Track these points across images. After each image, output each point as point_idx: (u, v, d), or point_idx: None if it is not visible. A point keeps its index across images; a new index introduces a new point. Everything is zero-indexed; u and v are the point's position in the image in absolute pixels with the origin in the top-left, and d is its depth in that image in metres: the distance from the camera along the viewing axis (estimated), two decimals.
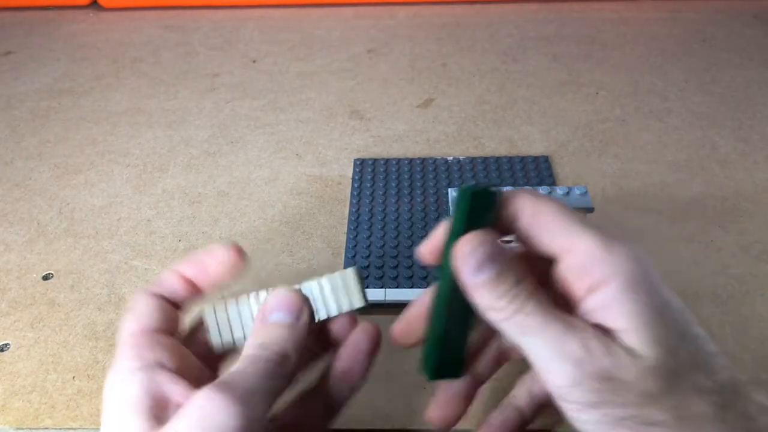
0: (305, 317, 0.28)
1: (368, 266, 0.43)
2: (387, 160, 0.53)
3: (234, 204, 0.51)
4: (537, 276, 0.26)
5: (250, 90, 0.67)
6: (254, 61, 0.73)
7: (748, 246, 0.44)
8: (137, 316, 0.29)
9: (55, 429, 0.35)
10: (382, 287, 0.42)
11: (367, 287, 0.41)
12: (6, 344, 0.40)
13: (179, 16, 0.85)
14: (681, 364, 0.23)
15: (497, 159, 0.53)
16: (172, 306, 0.30)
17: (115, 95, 0.67)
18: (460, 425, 0.30)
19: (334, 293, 0.29)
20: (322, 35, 0.78)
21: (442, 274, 0.26)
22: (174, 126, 0.61)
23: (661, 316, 0.24)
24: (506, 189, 0.28)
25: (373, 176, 0.52)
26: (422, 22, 0.81)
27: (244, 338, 0.29)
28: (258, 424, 0.24)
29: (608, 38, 0.74)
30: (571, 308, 0.25)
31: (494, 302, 0.25)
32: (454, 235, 0.25)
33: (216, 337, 0.29)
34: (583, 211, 0.36)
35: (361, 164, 0.53)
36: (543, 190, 0.36)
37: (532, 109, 0.61)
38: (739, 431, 0.22)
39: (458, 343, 0.27)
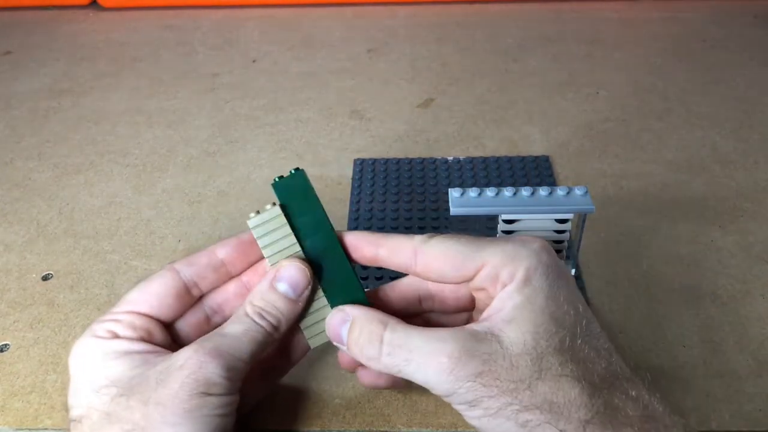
0: (305, 296, 0.30)
1: (367, 267, 0.43)
2: (387, 160, 0.53)
3: (234, 204, 0.50)
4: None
5: (250, 90, 0.67)
6: (254, 61, 0.73)
7: (748, 246, 0.44)
8: (149, 295, 0.31)
9: (55, 429, 0.35)
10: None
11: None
12: (5, 344, 0.40)
13: (179, 16, 0.85)
14: (555, 352, 0.25)
15: (497, 159, 0.53)
16: (184, 295, 0.31)
17: (114, 95, 0.67)
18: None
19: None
20: (322, 35, 0.78)
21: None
22: (174, 126, 0.61)
23: (544, 308, 0.26)
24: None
25: (373, 176, 0.52)
26: (422, 22, 0.81)
27: (263, 250, 0.31)
28: (239, 377, 0.28)
29: (608, 38, 0.74)
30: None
31: (363, 353, 0.28)
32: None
33: (257, 223, 0.30)
34: (583, 213, 0.36)
35: (361, 164, 0.53)
36: (543, 191, 0.36)
37: (532, 109, 0.61)
38: (603, 417, 0.24)
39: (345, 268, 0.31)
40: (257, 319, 0.29)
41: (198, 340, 0.28)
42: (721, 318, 0.39)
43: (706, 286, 0.41)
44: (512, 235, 0.36)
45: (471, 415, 0.25)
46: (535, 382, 0.24)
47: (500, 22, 0.79)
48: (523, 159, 0.53)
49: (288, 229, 0.30)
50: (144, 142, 0.59)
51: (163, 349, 0.29)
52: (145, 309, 0.30)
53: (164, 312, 0.31)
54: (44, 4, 0.89)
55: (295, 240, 0.30)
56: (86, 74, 0.72)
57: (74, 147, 0.59)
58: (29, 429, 0.35)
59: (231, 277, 0.32)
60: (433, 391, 0.26)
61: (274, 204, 0.30)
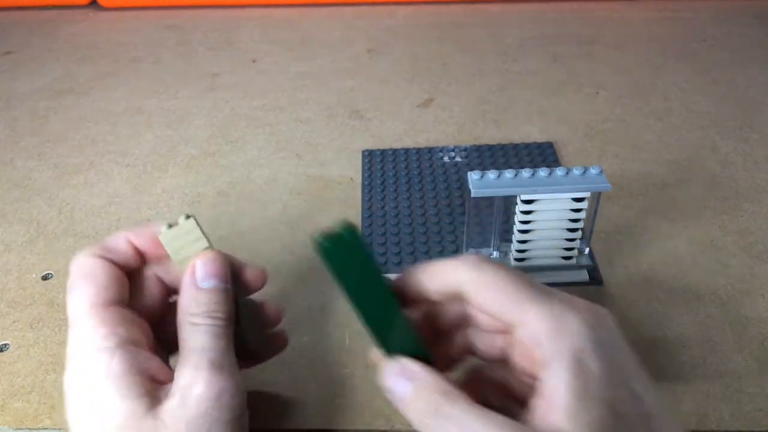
0: (230, 278, 0.30)
1: (385, 253, 0.44)
2: (395, 151, 0.54)
3: (234, 204, 0.50)
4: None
5: (250, 90, 0.67)
6: (254, 61, 0.73)
7: (748, 246, 0.44)
8: (97, 286, 0.29)
9: (55, 429, 0.35)
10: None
11: (387, 273, 0.43)
12: (5, 344, 0.40)
13: (179, 15, 0.85)
14: None
15: (503, 146, 0.54)
16: (123, 273, 0.30)
17: (114, 95, 0.67)
18: None
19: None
20: (322, 35, 0.78)
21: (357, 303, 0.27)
22: (174, 126, 0.61)
23: (603, 399, 0.23)
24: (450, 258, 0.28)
25: (382, 167, 0.53)
26: (422, 22, 0.81)
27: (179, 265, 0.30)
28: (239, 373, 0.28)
29: (608, 38, 0.74)
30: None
31: (417, 418, 0.25)
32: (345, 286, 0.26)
33: (169, 239, 0.30)
34: (598, 191, 0.37)
35: (369, 155, 0.54)
36: (560, 171, 0.37)
37: (532, 109, 0.61)
38: None
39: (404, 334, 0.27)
40: (210, 322, 0.28)
41: (185, 365, 0.27)
42: (721, 318, 0.39)
43: (706, 285, 0.41)
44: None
45: None
46: None
47: (500, 22, 0.79)
48: (527, 146, 0.54)
49: (200, 234, 0.30)
50: (144, 142, 0.59)
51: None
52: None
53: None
54: (44, 4, 0.89)
55: (207, 243, 0.30)
56: (86, 74, 0.72)
57: (74, 147, 0.59)
58: (29, 429, 0.35)
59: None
60: None
61: (188, 216, 0.29)
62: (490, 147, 0.54)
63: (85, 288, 0.29)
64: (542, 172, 0.37)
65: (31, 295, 0.43)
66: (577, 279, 0.41)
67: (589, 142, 0.56)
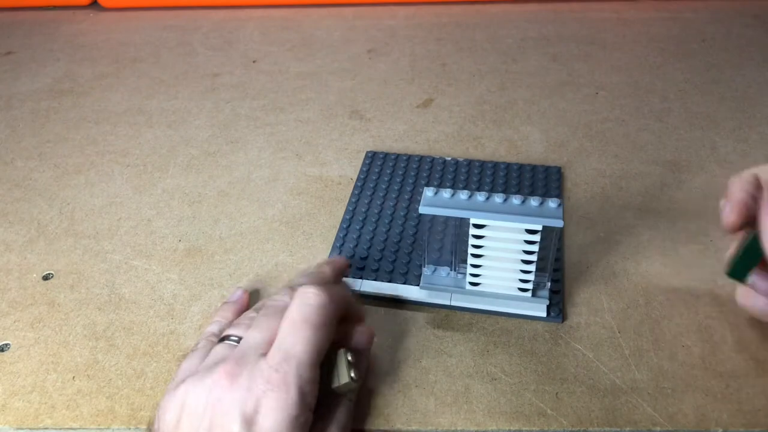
0: None
1: (353, 255, 0.44)
2: (397, 156, 0.54)
3: (234, 204, 0.51)
4: None
5: (250, 90, 0.67)
6: (254, 61, 0.73)
7: None
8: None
9: (55, 429, 0.35)
10: (360, 278, 0.42)
11: (345, 276, 0.43)
12: (6, 344, 0.40)
13: (179, 16, 0.85)
14: None
15: (507, 165, 0.52)
16: None
17: (115, 95, 0.67)
18: None
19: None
20: (322, 35, 0.78)
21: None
22: (174, 126, 0.61)
23: None
24: None
25: (380, 171, 0.52)
26: (422, 22, 0.81)
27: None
28: None
29: (608, 38, 0.74)
30: None
31: None
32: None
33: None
34: (550, 227, 0.35)
35: (371, 157, 0.54)
36: (516, 199, 0.35)
37: (532, 109, 0.61)
38: None
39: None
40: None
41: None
42: (721, 318, 0.39)
43: (706, 285, 0.41)
44: None
45: None
46: None
47: (500, 22, 0.79)
48: (533, 168, 0.51)
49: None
50: (144, 142, 0.59)
51: None
52: None
53: None
54: (44, 4, 0.89)
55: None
56: (87, 74, 0.72)
57: (75, 147, 0.59)
58: (30, 428, 0.35)
59: None
60: None
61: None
62: (494, 164, 0.52)
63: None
64: (497, 198, 0.35)
65: (31, 295, 0.43)
66: (534, 313, 0.39)
67: (589, 142, 0.56)
